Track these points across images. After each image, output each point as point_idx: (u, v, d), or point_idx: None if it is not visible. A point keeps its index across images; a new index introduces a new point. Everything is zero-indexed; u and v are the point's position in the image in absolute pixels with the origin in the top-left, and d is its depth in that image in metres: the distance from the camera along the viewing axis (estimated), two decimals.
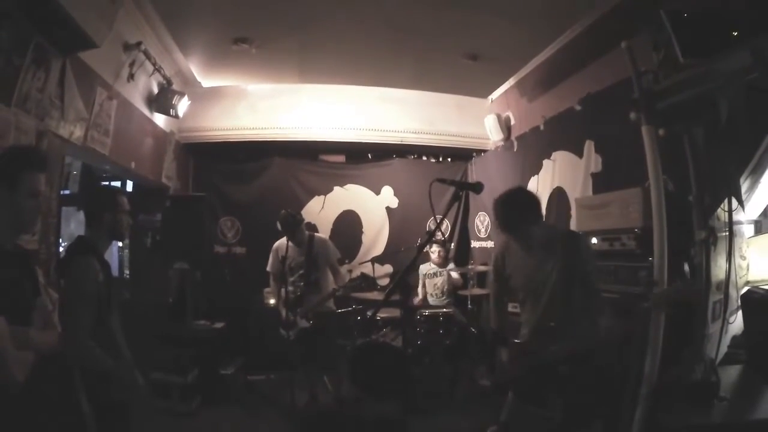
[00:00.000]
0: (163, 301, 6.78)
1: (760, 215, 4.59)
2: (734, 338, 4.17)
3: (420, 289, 7.72)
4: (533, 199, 3.93)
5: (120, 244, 7.44)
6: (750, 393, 3.59)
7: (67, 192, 6.01)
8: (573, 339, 3.59)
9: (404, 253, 8.03)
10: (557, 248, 3.80)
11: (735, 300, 4.10)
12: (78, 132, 4.76)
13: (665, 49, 3.74)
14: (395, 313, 6.82)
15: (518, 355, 3.95)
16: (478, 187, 3.50)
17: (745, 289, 4.21)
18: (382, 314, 6.69)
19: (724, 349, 4.05)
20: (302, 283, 6.00)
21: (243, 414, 6.00)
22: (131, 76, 5.66)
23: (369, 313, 6.40)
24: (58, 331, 2.78)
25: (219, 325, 6.82)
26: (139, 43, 5.55)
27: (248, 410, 6.08)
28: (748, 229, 4.50)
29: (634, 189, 4.22)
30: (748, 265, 4.35)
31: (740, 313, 4.12)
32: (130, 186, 7.26)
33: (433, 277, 7.57)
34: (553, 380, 3.68)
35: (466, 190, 3.64)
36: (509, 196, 3.92)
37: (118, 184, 7.05)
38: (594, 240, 4.60)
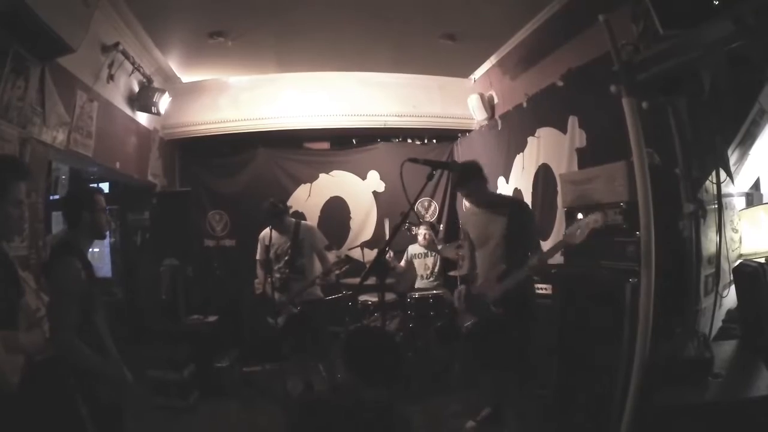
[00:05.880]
0: (155, 298, 6.78)
1: (751, 187, 4.58)
2: (729, 312, 4.16)
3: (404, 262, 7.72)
4: (477, 168, 4.82)
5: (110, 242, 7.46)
6: (746, 369, 3.47)
7: (56, 197, 5.98)
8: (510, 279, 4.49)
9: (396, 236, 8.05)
10: (504, 211, 4.72)
11: (728, 273, 4.09)
12: (61, 136, 4.76)
13: (644, 21, 3.73)
14: (388, 297, 6.87)
15: (470, 295, 4.93)
16: (452, 166, 3.59)
17: (738, 262, 4.20)
18: (373, 299, 6.73)
19: (718, 323, 4.04)
20: (287, 270, 6.01)
21: (241, 406, 6.02)
22: (111, 77, 5.64)
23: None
24: (43, 331, 2.81)
25: (212, 318, 6.86)
26: (116, 44, 5.53)
27: (245, 402, 6.11)
28: (739, 202, 4.48)
29: (618, 163, 4.18)
30: (740, 238, 4.34)
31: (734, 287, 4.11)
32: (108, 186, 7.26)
33: (422, 258, 7.58)
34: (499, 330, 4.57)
35: (439, 169, 3.67)
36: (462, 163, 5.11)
37: (106, 185, 7.03)
38: (580, 215, 4.61)
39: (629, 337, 3.64)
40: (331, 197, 8.79)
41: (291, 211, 6.60)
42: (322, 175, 8.78)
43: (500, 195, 5.36)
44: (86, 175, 6.57)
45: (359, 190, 8.85)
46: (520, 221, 4.69)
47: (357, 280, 6.21)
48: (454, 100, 8.43)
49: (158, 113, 6.62)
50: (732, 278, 4.05)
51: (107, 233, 3.58)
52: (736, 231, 4.30)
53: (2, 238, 2.82)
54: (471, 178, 4.79)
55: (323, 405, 2.83)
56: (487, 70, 7.97)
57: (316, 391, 6.02)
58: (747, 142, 3.97)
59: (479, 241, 5.00)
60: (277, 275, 5.98)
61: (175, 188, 8.18)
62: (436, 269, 7.52)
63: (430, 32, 6.59)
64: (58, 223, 5.36)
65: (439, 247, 7.51)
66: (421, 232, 7.45)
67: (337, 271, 6.06)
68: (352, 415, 2.57)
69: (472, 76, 8.41)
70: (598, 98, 4.56)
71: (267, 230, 6.04)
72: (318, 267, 6.11)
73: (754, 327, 3.72)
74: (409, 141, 9.15)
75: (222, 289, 7.86)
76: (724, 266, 4.02)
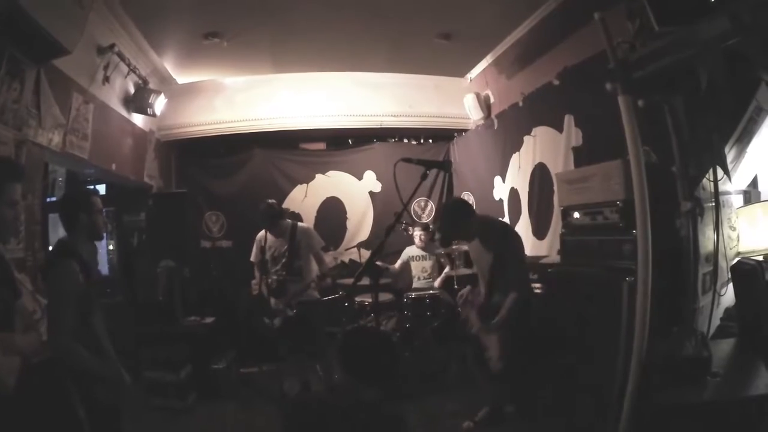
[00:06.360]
0: (152, 299, 6.76)
1: (749, 185, 4.55)
2: (727, 310, 4.14)
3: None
4: (460, 211, 4.93)
5: (111, 246, 7.45)
6: (744, 368, 3.41)
7: (53, 199, 5.97)
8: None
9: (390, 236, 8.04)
10: (491, 245, 4.75)
11: (725, 271, 4.07)
12: (56, 138, 4.75)
13: (640, 18, 3.72)
14: (385, 297, 6.87)
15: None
16: (446, 165, 3.60)
17: (736, 260, 4.18)
18: (370, 299, 6.72)
19: (716, 322, 4.01)
20: (284, 272, 5.99)
21: (238, 407, 6.00)
22: (106, 79, 5.64)
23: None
24: (39, 333, 2.80)
25: (209, 320, 6.84)
26: (112, 46, 5.53)
27: (243, 403, 6.09)
28: (737, 200, 4.44)
29: (615, 161, 4.16)
30: (738, 236, 4.31)
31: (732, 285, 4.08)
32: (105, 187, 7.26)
33: (419, 260, 7.57)
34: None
35: (433, 168, 3.65)
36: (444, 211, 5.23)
37: (102, 187, 7.02)
38: (576, 214, 4.59)
39: (626, 336, 3.62)
40: (327, 198, 8.80)
41: (288, 212, 6.57)
42: (318, 176, 8.79)
43: (485, 225, 5.06)
44: (83, 177, 6.56)
45: (355, 190, 8.87)
46: (506, 256, 4.72)
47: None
48: (450, 100, 8.43)
49: (154, 115, 6.63)
50: (730, 276, 4.02)
51: (104, 235, 3.59)
52: (733, 229, 4.26)
53: None
54: (455, 224, 4.86)
55: (320, 405, 2.83)
56: (483, 70, 7.96)
57: (313, 391, 6.01)
58: (744, 139, 3.94)
59: (474, 260, 5.26)
60: (274, 277, 5.95)
61: (172, 189, 8.17)
62: (433, 272, 7.52)
63: (426, 32, 6.60)
64: (55, 225, 5.35)
65: (437, 250, 7.51)
66: (416, 234, 7.46)
67: (331, 272, 6.04)
68: (348, 415, 2.56)
69: (467, 76, 8.40)
70: (595, 96, 4.55)
71: (263, 232, 6.02)
72: (315, 268, 6.09)
73: (752, 325, 3.69)
74: (405, 141, 9.16)
75: (219, 291, 7.82)
76: (722, 264, 3.98)
